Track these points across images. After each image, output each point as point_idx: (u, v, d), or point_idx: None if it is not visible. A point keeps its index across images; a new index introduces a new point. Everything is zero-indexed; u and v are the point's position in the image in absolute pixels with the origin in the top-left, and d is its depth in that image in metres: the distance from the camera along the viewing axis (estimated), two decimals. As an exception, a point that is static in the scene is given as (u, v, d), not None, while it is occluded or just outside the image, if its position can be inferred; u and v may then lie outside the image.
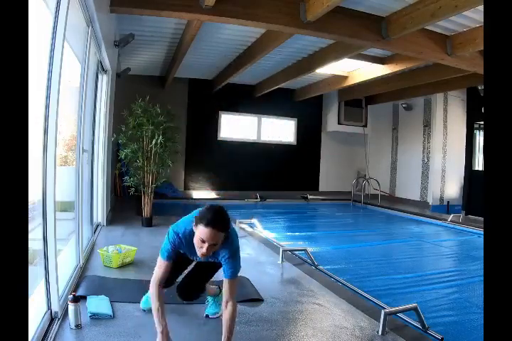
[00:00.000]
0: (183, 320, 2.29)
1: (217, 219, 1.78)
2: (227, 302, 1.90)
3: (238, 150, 9.62)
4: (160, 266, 1.96)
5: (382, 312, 2.27)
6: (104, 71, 4.84)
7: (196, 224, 1.80)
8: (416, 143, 9.38)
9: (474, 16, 4.41)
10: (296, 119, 10.26)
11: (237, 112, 9.71)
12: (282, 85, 8.46)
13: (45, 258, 2.03)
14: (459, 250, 5.55)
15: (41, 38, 2.04)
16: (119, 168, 6.71)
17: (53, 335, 1.96)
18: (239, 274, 1.98)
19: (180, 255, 2.05)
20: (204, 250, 1.78)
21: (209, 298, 2.44)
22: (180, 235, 1.93)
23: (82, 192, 3.26)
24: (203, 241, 1.77)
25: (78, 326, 2.07)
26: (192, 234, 1.86)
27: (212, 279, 2.33)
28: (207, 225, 1.74)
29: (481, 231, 5.90)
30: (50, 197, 2.05)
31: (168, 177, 5.39)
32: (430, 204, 8.71)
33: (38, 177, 2.00)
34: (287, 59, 7.11)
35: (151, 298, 1.96)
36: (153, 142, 4.91)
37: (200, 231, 1.77)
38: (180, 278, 2.31)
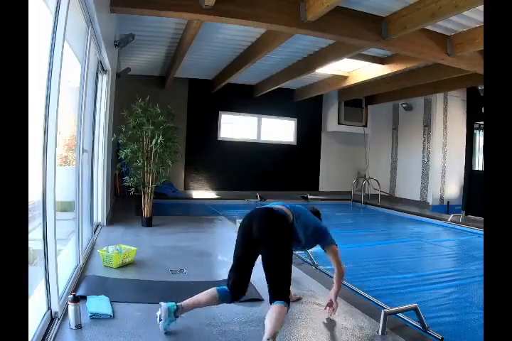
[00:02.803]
0: (183, 320, 2.28)
1: None
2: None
3: (238, 150, 9.63)
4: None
5: (382, 312, 2.27)
6: (104, 71, 4.84)
7: None
8: (416, 143, 9.38)
9: (474, 16, 4.41)
10: (296, 119, 10.26)
11: (237, 112, 9.71)
12: (282, 85, 8.46)
13: (45, 258, 2.03)
14: (459, 250, 5.54)
15: (41, 37, 2.04)
16: (119, 168, 6.71)
17: (53, 335, 1.96)
18: None
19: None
20: None
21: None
22: None
23: (82, 192, 3.25)
24: None
25: (78, 326, 2.07)
26: None
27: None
28: None
29: (481, 231, 5.89)
30: (50, 197, 2.05)
31: (168, 177, 5.39)
32: (430, 204, 8.71)
33: (38, 177, 2.00)
34: (287, 59, 7.11)
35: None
36: (153, 142, 4.91)
37: None
38: None
